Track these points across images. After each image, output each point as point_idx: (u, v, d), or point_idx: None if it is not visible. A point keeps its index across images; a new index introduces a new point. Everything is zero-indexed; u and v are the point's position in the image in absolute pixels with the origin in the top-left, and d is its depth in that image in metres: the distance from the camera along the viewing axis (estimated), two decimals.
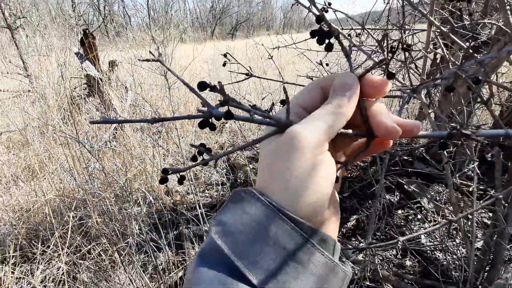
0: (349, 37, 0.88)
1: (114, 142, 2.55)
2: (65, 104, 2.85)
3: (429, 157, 2.11)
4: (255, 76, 0.67)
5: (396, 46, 0.41)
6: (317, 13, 0.29)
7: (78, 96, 4.18)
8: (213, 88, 0.22)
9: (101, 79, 3.08)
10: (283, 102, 0.32)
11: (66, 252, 1.67)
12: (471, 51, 0.99)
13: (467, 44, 1.38)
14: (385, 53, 0.33)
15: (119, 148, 2.01)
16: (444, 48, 1.06)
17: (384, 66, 0.29)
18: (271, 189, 0.25)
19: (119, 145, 2.53)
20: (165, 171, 0.25)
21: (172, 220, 2.19)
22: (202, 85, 0.23)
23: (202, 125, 0.24)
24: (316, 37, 0.27)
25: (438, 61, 2.10)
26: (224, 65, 0.72)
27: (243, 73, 0.74)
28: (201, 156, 0.28)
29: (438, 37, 1.11)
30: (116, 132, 2.67)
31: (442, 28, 0.89)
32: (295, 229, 0.23)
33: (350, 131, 0.29)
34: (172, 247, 1.92)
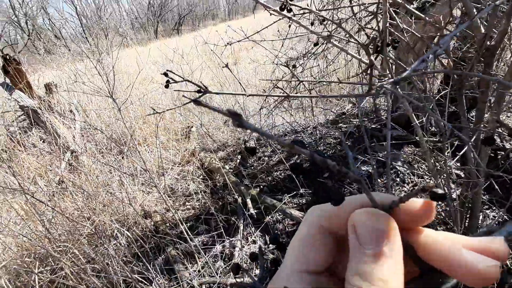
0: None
1: (72, 175, 2.29)
2: (2, 143, 2.48)
3: (394, 122, 2.18)
4: (210, 92, 0.56)
5: (380, 43, 0.34)
6: None
7: (18, 130, 3.69)
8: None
9: (39, 107, 2.72)
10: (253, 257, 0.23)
11: None
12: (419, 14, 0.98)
13: (412, 6, 1.38)
14: (371, 57, 0.26)
15: (74, 189, 1.79)
16: (394, 15, 1.03)
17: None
18: None
19: (78, 176, 2.27)
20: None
21: (157, 243, 2.05)
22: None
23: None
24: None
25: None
26: (167, 86, 0.60)
27: (195, 91, 0.62)
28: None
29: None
30: (71, 165, 2.40)
31: None
32: None
33: None
34: (164, 274, 1.80)
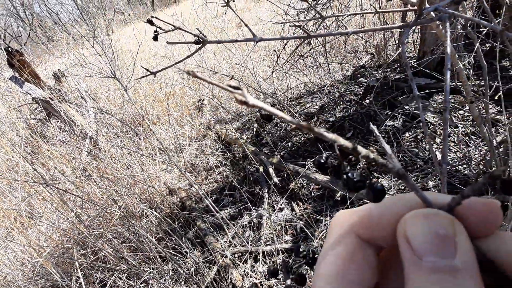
0: None
1: (94, 160, 2.33)
2: (23, 137, 2.54)
3: (424, 68, 1.96)
4: (209, 42, 0.47)
5: None
6: None
7: (38, 122, 3.78)
8: None
9: (50, 98, 2.72)
10: (273, 274, 0.23)
11: None
12: None
13: None
14: None
15: (98, 176, 1.81)
16: None
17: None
18: None
19: (100, 162, 2.31)
20: None
21: (185, 219, 2.10)
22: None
23: None
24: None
25: None
26: (155, 38, 0.49)
27: (192, 42, 0.52)
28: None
29: None
30: (92, 151, 2.43)
31: None
32: None
33: None
34: (197, 247, 1.86)
